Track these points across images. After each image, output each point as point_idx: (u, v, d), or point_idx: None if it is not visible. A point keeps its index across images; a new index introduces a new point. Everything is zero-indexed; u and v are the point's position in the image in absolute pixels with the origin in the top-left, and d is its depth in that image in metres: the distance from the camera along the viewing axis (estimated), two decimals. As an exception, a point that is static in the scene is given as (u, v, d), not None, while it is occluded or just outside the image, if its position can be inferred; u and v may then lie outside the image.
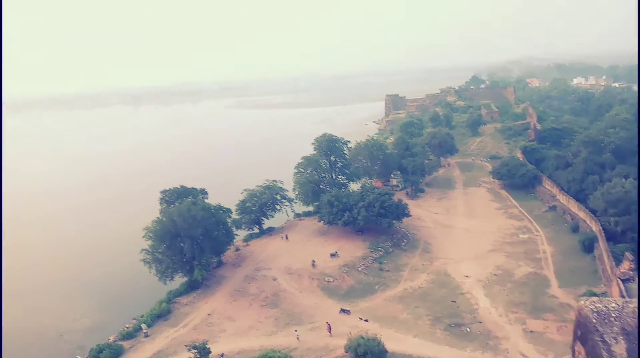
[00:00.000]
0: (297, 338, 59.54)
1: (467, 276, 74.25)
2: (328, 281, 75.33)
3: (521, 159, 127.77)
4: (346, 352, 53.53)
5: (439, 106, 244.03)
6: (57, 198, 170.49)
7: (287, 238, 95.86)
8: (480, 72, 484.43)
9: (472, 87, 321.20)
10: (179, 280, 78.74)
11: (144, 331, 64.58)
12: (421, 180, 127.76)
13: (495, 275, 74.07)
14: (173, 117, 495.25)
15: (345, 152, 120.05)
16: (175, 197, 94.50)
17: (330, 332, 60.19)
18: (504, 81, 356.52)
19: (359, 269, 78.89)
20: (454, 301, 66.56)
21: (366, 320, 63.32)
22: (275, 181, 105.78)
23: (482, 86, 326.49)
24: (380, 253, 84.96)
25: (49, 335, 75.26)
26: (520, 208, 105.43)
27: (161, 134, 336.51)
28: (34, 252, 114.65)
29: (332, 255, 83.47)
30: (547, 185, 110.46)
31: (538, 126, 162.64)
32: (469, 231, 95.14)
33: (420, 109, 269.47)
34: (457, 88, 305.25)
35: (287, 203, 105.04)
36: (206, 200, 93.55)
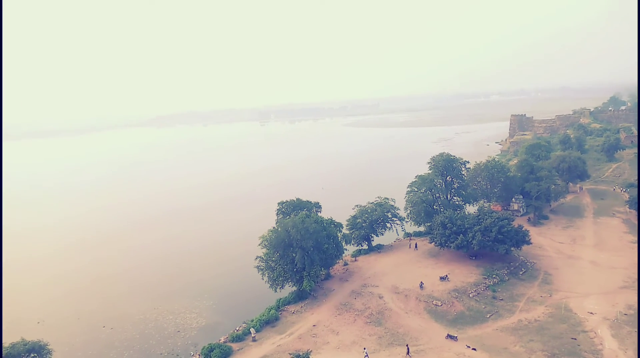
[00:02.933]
0: (366, 356, 58.44)
1: (591, 313, 67.61)
2: (436, 305, 73.01)
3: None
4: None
5: (571, 128, 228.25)
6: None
7: (416, 247, 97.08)
8: (621, 93, 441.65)
9: (610, 109, 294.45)
10: (289, 289, 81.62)
11: (252, 335, 67.60)
12: (548, 206, 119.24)
13: (626, 314, 66.56)
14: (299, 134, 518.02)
15: (463, 173, 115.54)
16: (291, 209, 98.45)
17: (408, 354, 58.47)
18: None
19: (470, 295, 75.44)
20: (574, 339, 60.88)
21: (474, 349, 60.24)
22: (387, 198, 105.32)
23: (623, 107, 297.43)
24: (495, 280, 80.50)
25: (169, 330, 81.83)
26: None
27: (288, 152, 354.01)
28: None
29: (442, 278, 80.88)
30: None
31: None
32: (598, 264, 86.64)
33: (549, 131, 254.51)
34: (592, 109, 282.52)
35: (398, 222, 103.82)
36: (320, 213, 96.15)
